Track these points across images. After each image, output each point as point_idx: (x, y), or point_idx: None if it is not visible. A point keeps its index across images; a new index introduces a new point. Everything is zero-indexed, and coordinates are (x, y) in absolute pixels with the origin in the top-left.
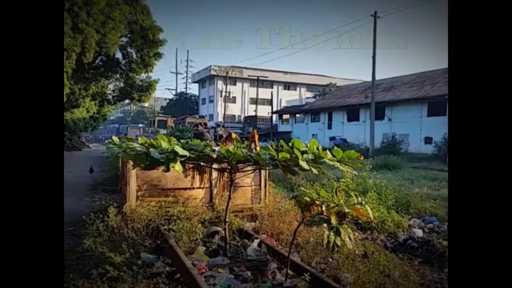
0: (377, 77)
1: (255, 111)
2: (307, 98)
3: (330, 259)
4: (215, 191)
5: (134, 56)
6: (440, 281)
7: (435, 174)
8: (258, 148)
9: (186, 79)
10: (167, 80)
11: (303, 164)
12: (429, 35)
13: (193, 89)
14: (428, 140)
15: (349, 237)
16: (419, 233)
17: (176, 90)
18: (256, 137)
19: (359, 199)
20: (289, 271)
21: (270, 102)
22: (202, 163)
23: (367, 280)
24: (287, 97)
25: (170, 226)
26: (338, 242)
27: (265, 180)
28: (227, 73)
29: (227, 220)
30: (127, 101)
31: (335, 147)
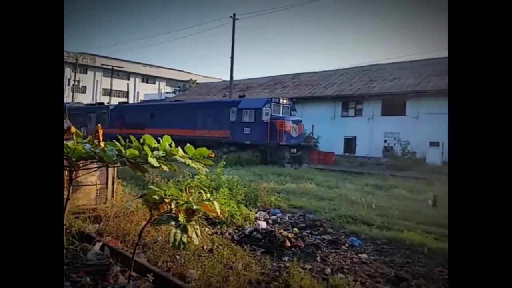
0: (235, 78)
1: (108, 102)
2: (167, 92)
3: (178, 257)
4: None
5: None
6: (278, 269)
7: (281, 170)
8: (102, 144)
9: None
10: None
11: (153, 161)
12: (288, 39)
13: None
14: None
15: (196, 233)
16: (263, 224)
17: None
18: (101, 131)
19: (208, 195)
20: (133, 273)
21: (126, 94)
22: None
23: (211, 274)
24: (145, 90)
25: None
26: (185, 239)
27: (113, 178)
28: (76, 59)
29: (64, 223)
30: None
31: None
